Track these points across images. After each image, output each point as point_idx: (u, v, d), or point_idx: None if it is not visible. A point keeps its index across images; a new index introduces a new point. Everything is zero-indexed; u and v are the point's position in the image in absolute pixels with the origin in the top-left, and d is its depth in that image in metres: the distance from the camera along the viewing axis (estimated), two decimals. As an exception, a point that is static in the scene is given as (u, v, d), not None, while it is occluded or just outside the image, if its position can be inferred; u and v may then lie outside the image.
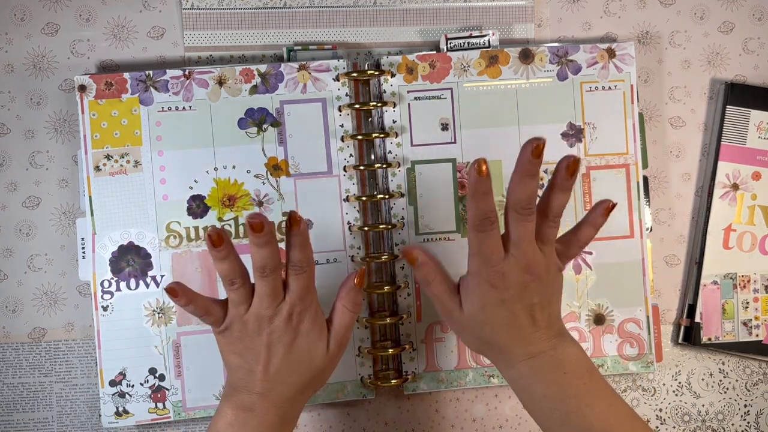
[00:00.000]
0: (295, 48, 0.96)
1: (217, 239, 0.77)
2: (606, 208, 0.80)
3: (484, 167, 0.73)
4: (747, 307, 1.00)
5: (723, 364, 1.02)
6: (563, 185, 0.77)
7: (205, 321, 0.82)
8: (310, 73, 0.94)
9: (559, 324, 0.82)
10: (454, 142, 0.95)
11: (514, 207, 0.76)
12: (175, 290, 0.79)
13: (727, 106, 1.00)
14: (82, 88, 0.92)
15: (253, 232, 0.76)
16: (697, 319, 1.00)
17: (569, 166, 0.76)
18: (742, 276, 1.00)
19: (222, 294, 0.92)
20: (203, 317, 0.81)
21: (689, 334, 1.00)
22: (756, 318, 1.00)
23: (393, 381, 0.95)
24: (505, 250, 0.78)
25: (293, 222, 0.78)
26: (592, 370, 0.80)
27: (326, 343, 0.83)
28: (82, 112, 0.92)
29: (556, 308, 0.82)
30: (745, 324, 1.00)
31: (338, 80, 0.94)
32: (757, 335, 1.00)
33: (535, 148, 0.73)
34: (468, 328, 0.82)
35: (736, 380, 1.02)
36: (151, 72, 0.93)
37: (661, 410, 1.01)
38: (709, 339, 1.00)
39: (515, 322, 0.79)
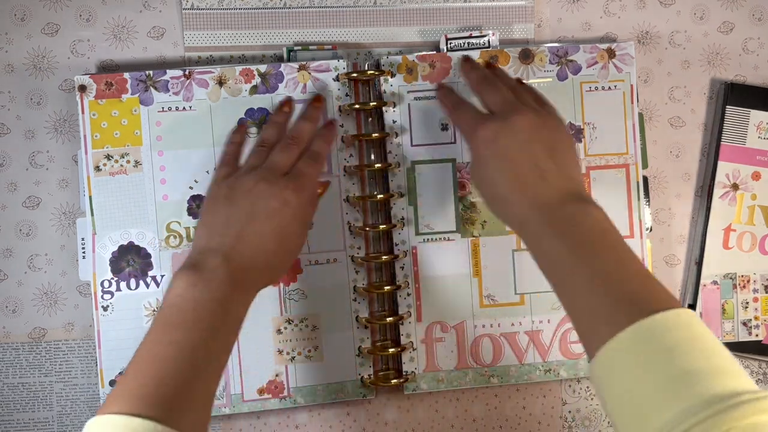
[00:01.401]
0: (295, 48, 0.96)
1: (288, 103, 0.93)
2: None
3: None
4: (747, 307, 1.00)
5: (723, 364, 1.02)
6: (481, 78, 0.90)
7: (222, 165, 0.90)
8: (310, 73, 0.94)
9: (577, 185, 0.82)
10: (454, 142, 0.96)
11: (478, 82, 0.90)
12: (243, 126, 0.93)
13: (727, 106, 1.00)
14: (82, 88, 0.92)
15: (314, 102, 0.92)
16: (697, 319, 1.00)
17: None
18: (742, 276, 1.00)
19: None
20: (226, 159, 0.91)
21: (689, 334, 1.00)
22: (756, 318, 1.00)
23: (393, 381, 0.95)
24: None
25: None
26: (607, 230, 0.77)
27: (306, 231, 0.89)
28: (82, 112, 0.92)
29: (568, 162, 0.82)
30: (744, 324, 1.00)
31: (338, 80, 0.94)
32: (756, 335, 1.00)
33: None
34: (482, 195, 0.85)
35: (736, 380, 1.02)
36: (151, 72, 0.93)
37: (660, 410, 1.01)
38: (709, 339, 1.00)
39: (516, 174, 0.80)
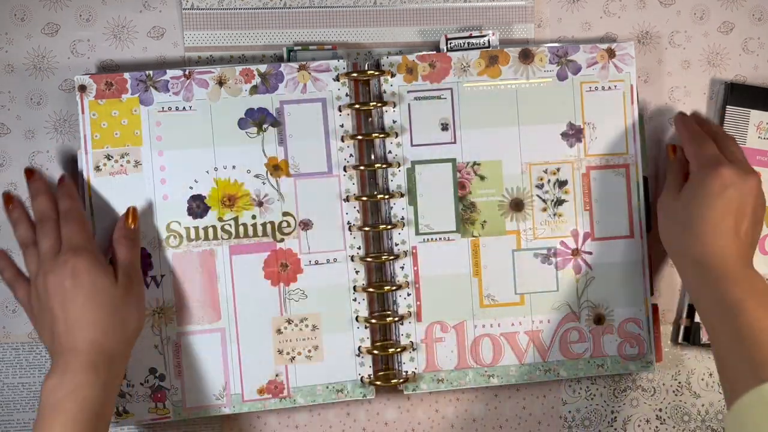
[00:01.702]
0: (295, 48, 0.96)
1: (7, 198, 0.93)
2: None
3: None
4: (747, 307, 1.00)
5: (723, 364, 1.02)
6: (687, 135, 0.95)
7: (15, 292, 0.91)
8: (310, 73, 0.94)
9: (752, 256, 0.89)
10: (454, 142, 0.95)
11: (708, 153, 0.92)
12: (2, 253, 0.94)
13: (727, 107, 1.00)
14: (83, 88, 0.92)
15: (28, 180, 0.92)
16: (697, 319, 0.99)
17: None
18: (743, 276, 1.00)
19: (222, 293, 0.93)
20: (12, 286, 0.91)
21: (689, 334, 1.00)
22: (757, 318, 1.00)
23: (393, 381, 0.95)
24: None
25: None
26: None
27: (113, 276, 0.87)
28: (83, 112, 0.92)
29: (756, 236, 0.90)
30: (746, 324, 1.00)
31: (338, 80, 0.94)
32: (757, 335, 1.00)
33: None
34: (677, 222, 0.91)
35: (736, 380, 1.02)
36: (151, 72, 0.92)
37: (660, 410, 1.01)
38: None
39: (723, 221, 0.87)
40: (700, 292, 0.87)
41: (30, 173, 0.92)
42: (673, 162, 0.96)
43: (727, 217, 0.86)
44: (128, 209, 0.92)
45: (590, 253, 0.97)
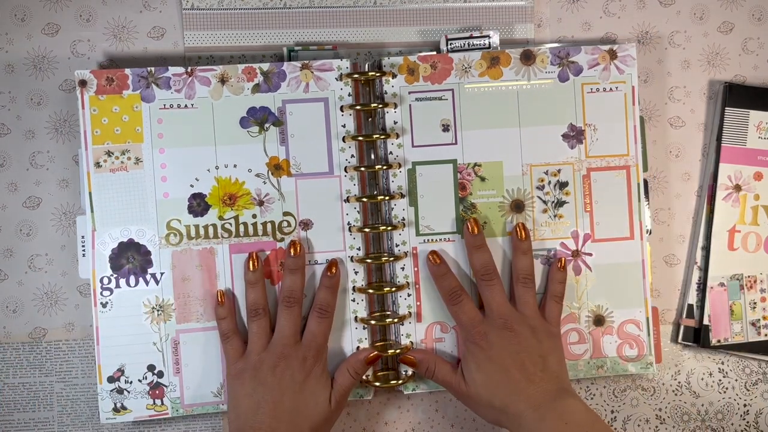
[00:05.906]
0: (296, 48, 0.96)
1: (252, 258, 0.92)
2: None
3: (437, 259, 0.93)
4: (755, 308, 1.00)
5: (722, 363, 1.02)
6: (520, 248, 0.94)
7: (228, 346, 0.90)
8: (312, 72, 0.94)
9: (562, 382, 0.89)
10: (455, 144, 0.95)
11: (476, 275, 0.93)
12: (223, 298, 0.92)
13: (726, 108, 1.00)
14: (83, 83, 0.92)
15: (290, 254, 0.91)
16: (706, 321, 0.99)
17: (519, 231, 0.94)
18: (749, 276, 1.00)
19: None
20: (228, 339, 0.91)
21: (698, 336, 1.00)
22: (764, 318, 1.00)
23: (392, 382, 0.95)
24: (483, 314, 0.92)
25: (331, 266, 0.92)
26: (595, 420, 0.85)
27: (329, 395, 0.89)
28: (83, 108, 0.92)
29: (553, 366, 0.90)
30: (753, 324, 1.00)
31: (341, 80, 0.94)
32: (765, 335, 1.00)
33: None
34: (476, 399, 0.90)
35: (736, 380, 1.02)
36: (152, 69, 0.92)
37: (660, 410, 1.01)
38: (719, 341, 1.00)
39: (509, 377, 0.88)
40: None
41: (295, 247, 0.92)
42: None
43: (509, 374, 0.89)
44: (376, 354, 0.93)
45: (590, 254, 0.97)
